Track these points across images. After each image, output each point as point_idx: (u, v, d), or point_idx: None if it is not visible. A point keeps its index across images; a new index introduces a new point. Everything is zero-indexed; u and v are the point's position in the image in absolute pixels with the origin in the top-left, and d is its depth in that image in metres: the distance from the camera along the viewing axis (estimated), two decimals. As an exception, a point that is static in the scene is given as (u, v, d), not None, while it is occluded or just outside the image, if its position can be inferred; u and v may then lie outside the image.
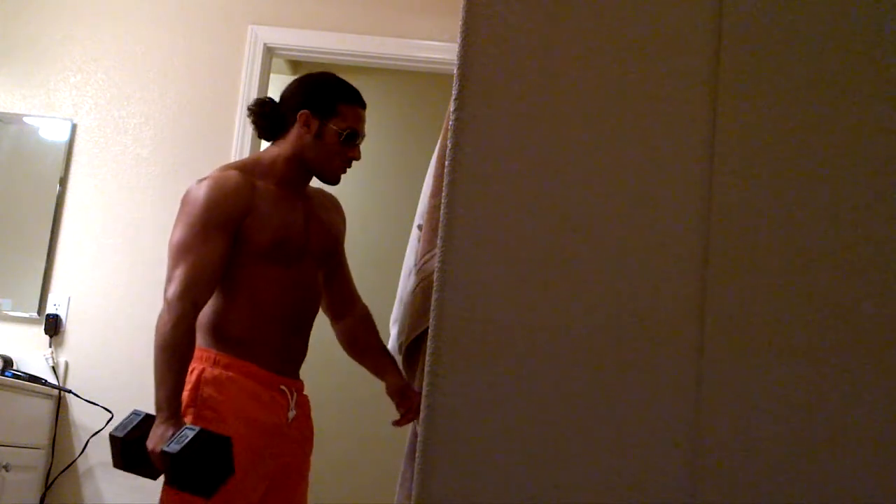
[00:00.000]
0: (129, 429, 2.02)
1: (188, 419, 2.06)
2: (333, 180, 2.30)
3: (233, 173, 2.20)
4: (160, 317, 2.06)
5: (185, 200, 2.18)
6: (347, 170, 2.30)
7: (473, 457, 1.00)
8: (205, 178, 2.20)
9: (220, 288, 2.17)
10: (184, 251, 2.10)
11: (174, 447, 1.92)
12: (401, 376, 2.28)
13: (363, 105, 2.31)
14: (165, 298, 2.07)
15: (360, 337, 2.44)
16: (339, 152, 2.25)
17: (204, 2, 3.69)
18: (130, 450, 2.02)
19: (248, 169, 2.25)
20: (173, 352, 2.02)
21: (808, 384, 1.01)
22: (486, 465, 1.00)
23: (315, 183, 2.39)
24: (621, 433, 1.01)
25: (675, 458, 1.00)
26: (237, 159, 3.31)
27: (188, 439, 1.92)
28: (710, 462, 1.00)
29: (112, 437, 2.05)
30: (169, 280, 2.09)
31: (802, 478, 1.00)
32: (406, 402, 2.26)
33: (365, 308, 2.49)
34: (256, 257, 2.18)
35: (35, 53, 3.65)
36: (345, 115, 2.25)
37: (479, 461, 1.00)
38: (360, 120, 2.28)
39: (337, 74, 2.35)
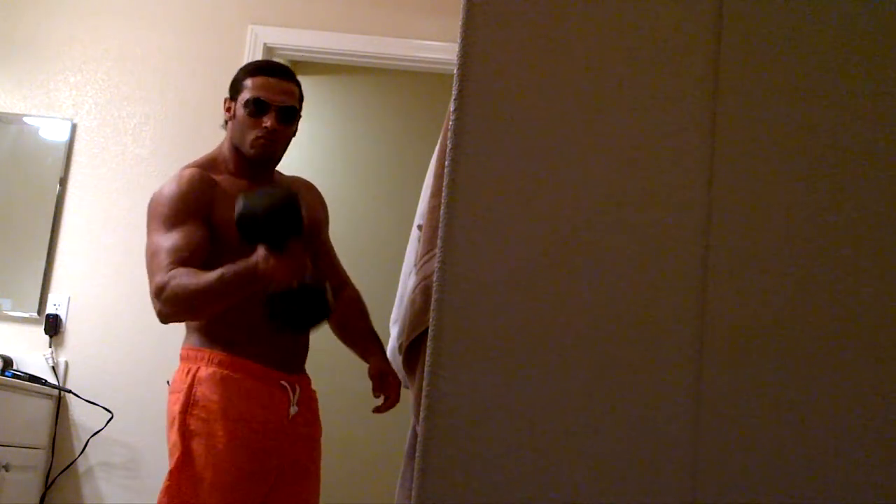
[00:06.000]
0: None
1: (179, 428, 2.06)
2: (256, 154, 2.24)
3: (190, 170, 2.23)
4: (158, 312, 2.04)
5: (149, 207, 2.19)
6: (271, 143, 2.23)
7: (473, 457, 1.00)
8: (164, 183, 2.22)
9: None
10: (157, 246, 2.10)
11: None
12: (385, 361, 2.28)
13: (273, 74, 2.28)
14: (151, 295, 2.05)
15: (349, 321, 2.42)
16: (250, 124, 2.23)
17: (204, 2, 3.69)
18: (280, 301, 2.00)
19: (205, 165, 2.26)
20: (196, 291, 2.01)
21: (808, 385, 1.01)
22: (486, 464, 1.00)
23: (293, 171, 2.36)
24: (621, 433, 1.01)
25: (676, 458, 1.00)
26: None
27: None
28: (710, 462, 1.00)
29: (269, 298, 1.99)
30: (150, 279, 2.07)
31: (802, 478, 1.00)
32: (386, 388, 2.26)
33: (355, 292, 2.46)
34: (231, 252, 2.12)
35: (35, 53, 3.65)
36: (249, 86, 2.25)
37: (479, 461, 1.00)
38: (268, 88, 2.24)
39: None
